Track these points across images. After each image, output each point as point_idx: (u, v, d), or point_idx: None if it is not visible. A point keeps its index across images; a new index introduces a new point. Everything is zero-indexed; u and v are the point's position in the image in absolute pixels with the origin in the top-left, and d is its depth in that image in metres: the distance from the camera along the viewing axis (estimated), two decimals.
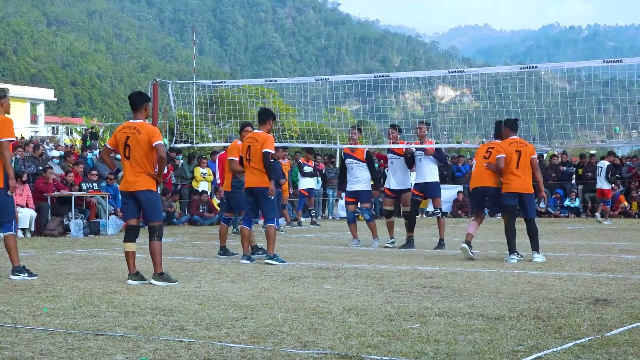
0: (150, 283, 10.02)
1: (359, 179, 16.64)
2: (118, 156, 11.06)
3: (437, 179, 16.47)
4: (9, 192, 10.79)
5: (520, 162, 13.33)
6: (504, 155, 13.45)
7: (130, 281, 10.13)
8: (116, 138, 10.44)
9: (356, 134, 17.13)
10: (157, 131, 10.44)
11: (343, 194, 17.68)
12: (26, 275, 10.68)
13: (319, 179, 28.66)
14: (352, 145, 16.89)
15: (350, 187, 16.88)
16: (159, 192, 10.69)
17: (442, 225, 16.37)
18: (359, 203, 16.90)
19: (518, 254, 13.46)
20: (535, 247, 13.37)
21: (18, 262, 10.84)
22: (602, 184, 26.12)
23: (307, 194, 25.95)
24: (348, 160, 16.93)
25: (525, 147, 13.49)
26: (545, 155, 35.29)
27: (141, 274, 10.30)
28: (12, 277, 10.66)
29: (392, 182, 16.63)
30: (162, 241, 10.46)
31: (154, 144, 10.21)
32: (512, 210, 13.64)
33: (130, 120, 10.49)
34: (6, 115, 11.07)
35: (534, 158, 13.55)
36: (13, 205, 11.33)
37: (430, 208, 18.27)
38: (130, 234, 10.48)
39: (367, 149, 17.01)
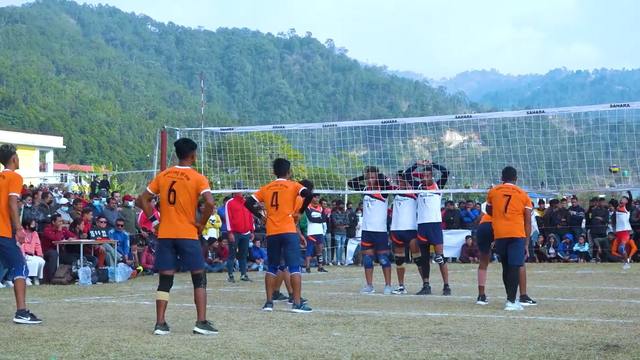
0: (194, 332, 9.80)
1: (375, 218, 16.54)
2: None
3: (439, 220, 16.56)
4: (17, 243, 11.22)
5: (509, 207, 13.25)
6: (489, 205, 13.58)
7: (158, 331, 9.80)
8: (159, 183, 10.25)
9: (373, 175, 16.98)
10: (205, 179, 10.29)
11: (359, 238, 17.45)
12: (29, 319, 10.88)
13: (324, 224, 28.54)
14: (372, 191, 16.80)
15: (365, 227, 16.82)
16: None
17: (445, 271, 16.36)
18: (376, 248, 16.80)
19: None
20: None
21: (23, 305, 11.07)
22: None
23: (315, 240, 25.84)
24: (366, 197, 16.94)
25: (517, 194, 13.37)
26: (552, 198, 35.20)
27: (167, 324, 10.08)
28: (15, 319, 10.90)
29: (399, 225, 16.63)
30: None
31: (201, 192, 10.10)
32: (502, 259, 13.60)
33: (177, 166, 10.36)
34: (16, 171, 11.41)
35: (528, 209, 13.41)
36: (21, 252, 11.78)
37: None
38: (166, 283, 10.23)
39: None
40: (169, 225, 10.11)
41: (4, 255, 11.35)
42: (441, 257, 16.40)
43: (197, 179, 10.15)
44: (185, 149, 10.38)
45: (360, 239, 27.87)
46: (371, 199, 16.70)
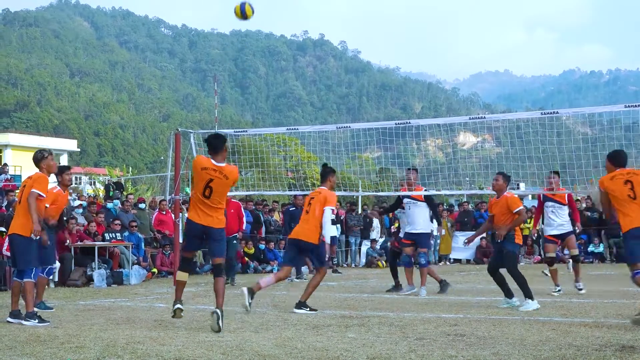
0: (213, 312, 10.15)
1: (418, 220, 16.24)
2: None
3: (428, 230, 16.45)
4: (32, 236, 11.08)
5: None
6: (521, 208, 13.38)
7: (178, 305, 10.41)
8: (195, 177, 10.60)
9: (414, 174, 16.78)
10: (237, 175, 10.75)
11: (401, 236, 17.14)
12: (37, 321, 11.04)
13: (338, 226, 28.45)
14: (409, 192, 16.58)
15: (409, 229, 16.39)
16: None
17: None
18: (416, 247, 16.41)
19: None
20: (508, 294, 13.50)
21: (32, 308, 11.22)
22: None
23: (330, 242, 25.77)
24: (406, 200, 16.52)
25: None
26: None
27: (182, 301, 10.62)
28: (23, 322, 11.07)
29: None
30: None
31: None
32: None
33: (213, 162, 10.48)
34: (47, 175, 11.67)
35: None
36: (36, 252, 11.53)
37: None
38: (186, 265, 10.87)
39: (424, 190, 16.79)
40: (201, 214, 10.44)
41: (14, 252, 11.52)
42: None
43: (235, 179, 10.63)
44: (218, 144, 10.55)
45: (372, 241, 27.98)
46: (413, 201, 16.50)
